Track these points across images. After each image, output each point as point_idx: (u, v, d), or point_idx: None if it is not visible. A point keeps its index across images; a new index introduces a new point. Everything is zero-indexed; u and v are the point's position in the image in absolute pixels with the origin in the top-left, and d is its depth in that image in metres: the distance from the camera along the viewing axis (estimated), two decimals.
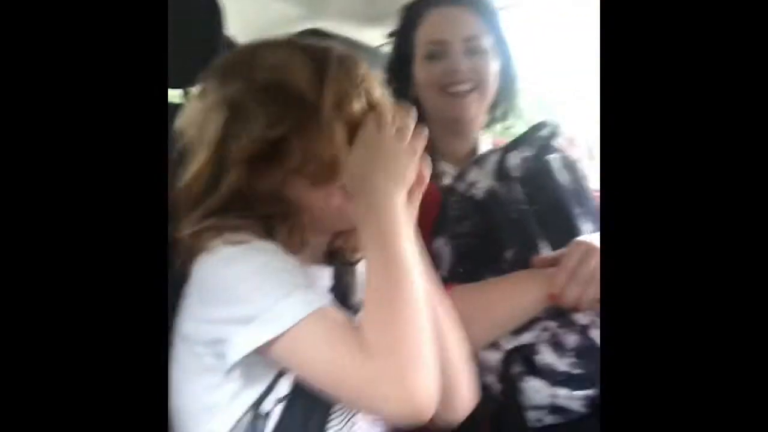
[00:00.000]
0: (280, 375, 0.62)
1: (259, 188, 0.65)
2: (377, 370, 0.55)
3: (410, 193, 0.67)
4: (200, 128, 0.66)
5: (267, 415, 0.62)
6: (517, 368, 0.85)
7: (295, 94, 0.65)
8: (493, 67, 1.02)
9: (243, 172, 0.64)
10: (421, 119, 1.03)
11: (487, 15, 1.02)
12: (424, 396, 0.55)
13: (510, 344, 0.85)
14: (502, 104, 1.09)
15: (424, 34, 1.03)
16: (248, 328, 0.58)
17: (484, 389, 0.87)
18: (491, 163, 0.96)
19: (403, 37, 1.06)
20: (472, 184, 0.94)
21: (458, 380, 0.68)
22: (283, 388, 0.62)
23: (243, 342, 0.58)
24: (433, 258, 0.90)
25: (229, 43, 1.45)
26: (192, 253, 0.63)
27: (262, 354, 0.58)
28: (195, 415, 0.64)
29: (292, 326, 0.56)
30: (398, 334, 0.56)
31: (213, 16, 0.95)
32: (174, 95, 1.05)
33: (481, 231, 0.91)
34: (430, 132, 1.04)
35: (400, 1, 1.45)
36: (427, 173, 0.70)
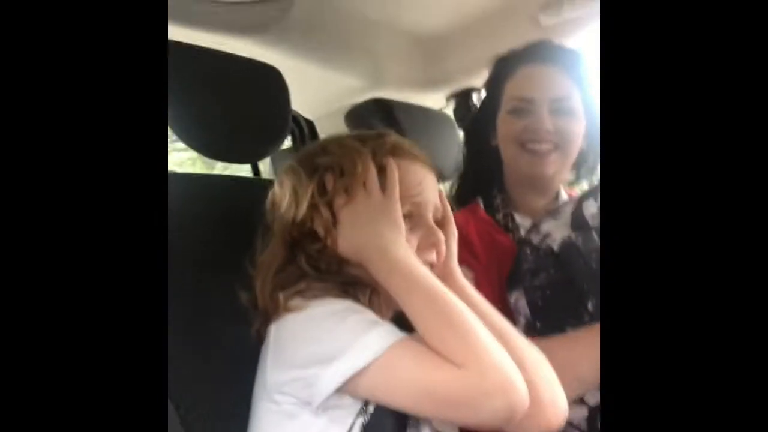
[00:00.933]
0: (355, 420, 0.63)
1: (324, 266, 0.71)
2: (476, 377, 0.57)
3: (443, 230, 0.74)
4: (278, 211, 0.74)
5: None
6: None
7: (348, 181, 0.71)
8: (579, 128, 1.00)
9: (310, 251, 0.71)
10: (500, 171, 1.06)
11: (578, 76, 1.01)
12: (521, 389, 0.58)
13: (596, 399, 0.81)
14: (588, 163, 1.07)
15: (512, 88, 1.02)
16: (335, 363, 0.60)
17: None
18: (566, 214, 0.93)
19: (492, 88, 1.06)
20: (547, 236, 0.92)
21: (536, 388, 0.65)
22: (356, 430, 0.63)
23: (331, 377, 0.60)
24: (510, 313, 0.89)
25: (296, 118, 1.53)
26: (270, 316, 0.68)
27: (349, 391, 0.61)
28: None
29: (379, 356, 0.59)
30: (473, 343, 0.59)
31: (279, 93, 0.99)
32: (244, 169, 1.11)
33: (558, 283, 0.89)
34: (509, 184, 1.07)
35: (455, 67, 1.50)
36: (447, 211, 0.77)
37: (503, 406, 0.57)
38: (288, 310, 0.66)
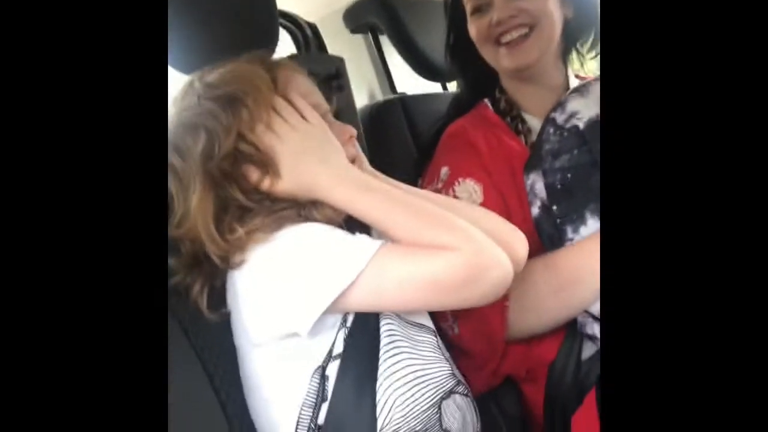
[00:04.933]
0: (337, 335, 0.64)
1: (271, 198, 0.67)
2: (474, 254, 0.60)
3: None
4: (187, 155, 0.66)
5: (329, 376, 0.64)
6: None
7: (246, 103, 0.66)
8: (550, 1, 0.93)
9: (248, 188, 0.66)
10: (496, 76, 1.00)
11: None
12: (506, 260, 0.62)
13: None
14: (581, 36, 1.00)
15: None
16: (319, 287, 0.60)
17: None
18: (596, 92, 0.87)
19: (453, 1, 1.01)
20: (573, 114, 0.87)
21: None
22: (338, 347, 0.64)
23: (317, 301, 0.60)
24: (527, 193, 0.88)
25: (297, 22, 1.46)
26: (229, 262, 0.65)
27: (336, 309, 0.61)
28: (278, 397, 0.66)
29: (365, 267, 0.60)
30: (460, 229, 0.62)
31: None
32: None
33: (581, 165, 0.84)
34: (508, 87, 1.00)
35: None
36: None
37: (501, 277, 0.61)
38: (255, 242, 0.63)
